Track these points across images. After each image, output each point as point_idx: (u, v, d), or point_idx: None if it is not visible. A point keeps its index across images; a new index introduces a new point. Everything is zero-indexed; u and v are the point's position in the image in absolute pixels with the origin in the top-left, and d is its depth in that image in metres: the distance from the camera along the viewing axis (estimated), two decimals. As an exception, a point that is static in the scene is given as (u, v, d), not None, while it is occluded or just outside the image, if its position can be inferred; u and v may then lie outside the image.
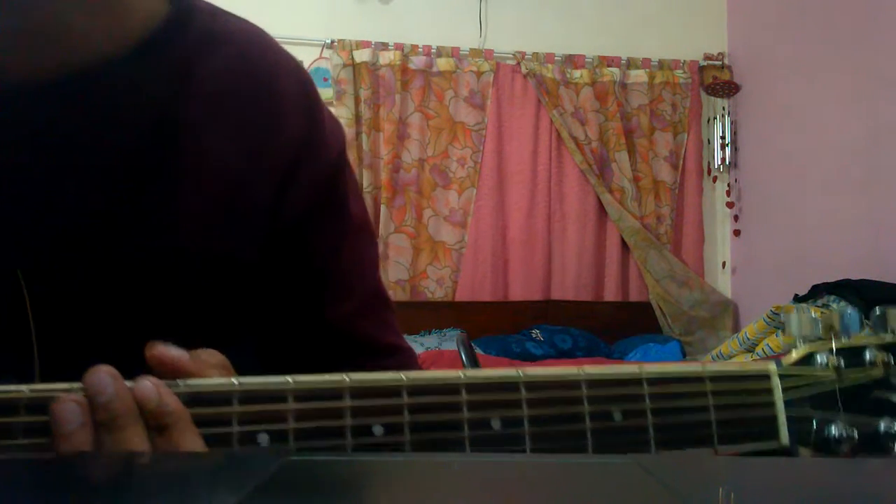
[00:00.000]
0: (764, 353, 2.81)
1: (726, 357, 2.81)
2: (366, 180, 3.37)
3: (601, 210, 3.57)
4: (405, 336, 0.69)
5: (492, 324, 3.35)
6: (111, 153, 0.52)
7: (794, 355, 0.45)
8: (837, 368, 0.44)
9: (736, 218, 3.63)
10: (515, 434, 0.41)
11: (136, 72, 0.52)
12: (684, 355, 3.23)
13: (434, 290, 3.47)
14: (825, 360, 0.44)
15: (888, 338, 0.45)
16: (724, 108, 3.62)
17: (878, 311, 0.45)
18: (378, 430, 0.39)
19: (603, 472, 0.31)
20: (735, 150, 3.61)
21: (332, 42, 3.34)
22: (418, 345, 3.02)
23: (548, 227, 3.53)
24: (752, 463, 0.33)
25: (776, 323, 2.63)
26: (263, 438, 0.38)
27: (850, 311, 0.45)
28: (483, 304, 3.46)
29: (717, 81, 3.57)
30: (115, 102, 0.52)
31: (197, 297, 0.54)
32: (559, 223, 3.56)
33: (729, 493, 0.28)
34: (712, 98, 3.64)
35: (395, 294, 3.38)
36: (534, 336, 3.24)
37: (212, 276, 0.55)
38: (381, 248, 3.38)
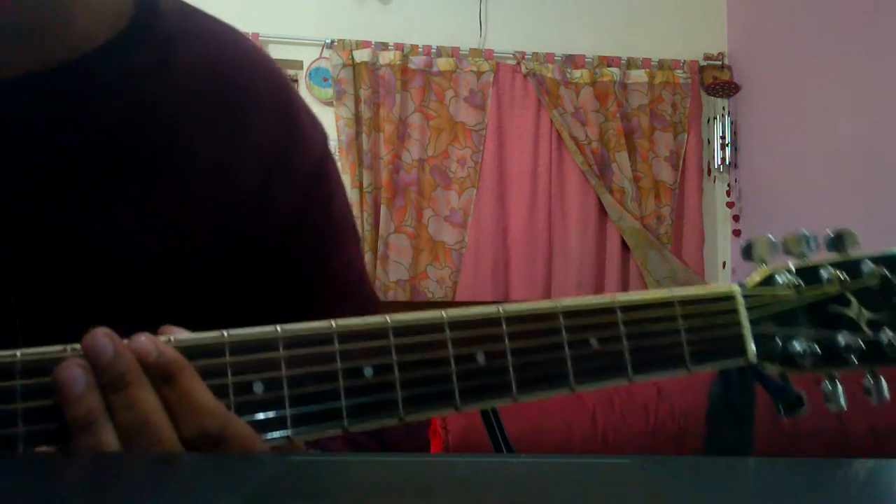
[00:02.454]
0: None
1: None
2: (366, 180, 3.38)
3: (601, 210, 3.57)
4: None
5: (492, 324, 3.34)
6: (81, 152, 0.52)
7: (757, 277, 0.46)
8: (797, 287, 0.45)
9: (736, 218, 3.62)
10: (500, 366, 0.42)
11: (100, 73, 0.52)
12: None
13: (434, 290, 3.47)
14: (785, 279, 0.45)
15: (842, 257, 0.47)
16: (724, 108, 3.62)
17: (830, 233, 0.47)
18: (368, 371, 0.39)
19: (603, 472, 0.32)
20: (735, 150, 3.61)
21: (332, 42, 3.34)
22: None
23: (548, 228, 3.53)
24: (751, 464, 0.33)
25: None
26: (258, 387, 0.38)
27: (807, 234, 0.46)
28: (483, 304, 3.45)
29: (717, 81, 3.57)
30: (81, 102, 0.52)
31: (174, 295, 0.54)
32: (560, 223, 3.55)
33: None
34: (712, 98, 3.64)
35: (396, 294, 3.38)
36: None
37: (187, 277, 0.54)
38: (380, 248, 3.39)
